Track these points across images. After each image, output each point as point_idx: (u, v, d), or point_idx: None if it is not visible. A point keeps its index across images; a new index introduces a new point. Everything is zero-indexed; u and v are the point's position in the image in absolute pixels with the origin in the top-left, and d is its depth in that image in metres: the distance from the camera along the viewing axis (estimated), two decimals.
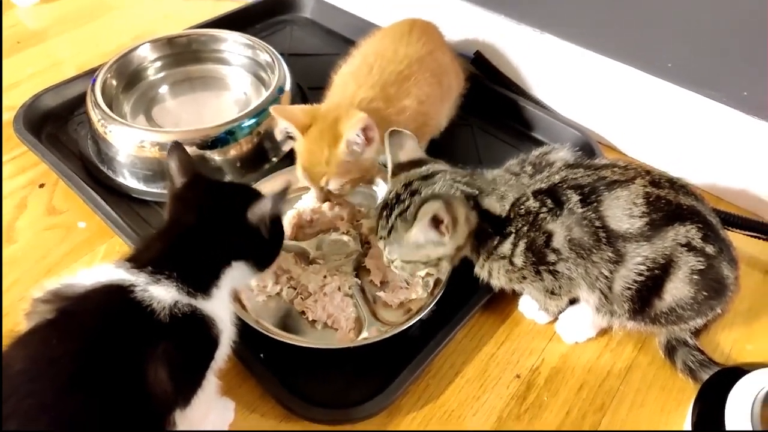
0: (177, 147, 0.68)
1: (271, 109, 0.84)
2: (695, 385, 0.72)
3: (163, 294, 0.55)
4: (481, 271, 0.74)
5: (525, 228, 0.69)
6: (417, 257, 0.71)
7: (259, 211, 0.63)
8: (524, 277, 0.72)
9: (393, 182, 0.74)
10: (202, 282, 0.58)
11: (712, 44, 0.90)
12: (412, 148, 0.76)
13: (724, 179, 0.96)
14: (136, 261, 0.57)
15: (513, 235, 0.69)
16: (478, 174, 0.74)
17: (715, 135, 0.94)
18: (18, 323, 0.78)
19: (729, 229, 0.86)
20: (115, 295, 0.53)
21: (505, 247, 0.70)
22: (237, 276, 0.63)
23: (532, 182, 0.72)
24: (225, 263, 0.62)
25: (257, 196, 0.66)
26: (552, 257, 0.69)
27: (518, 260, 0.70)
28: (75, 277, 0.56)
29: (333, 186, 0.83)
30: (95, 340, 0.51)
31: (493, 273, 0.73)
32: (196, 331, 0.56)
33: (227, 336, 0.60)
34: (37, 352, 0.50)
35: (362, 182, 0.88)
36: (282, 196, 0.64)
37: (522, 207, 0.69)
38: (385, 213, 0.72)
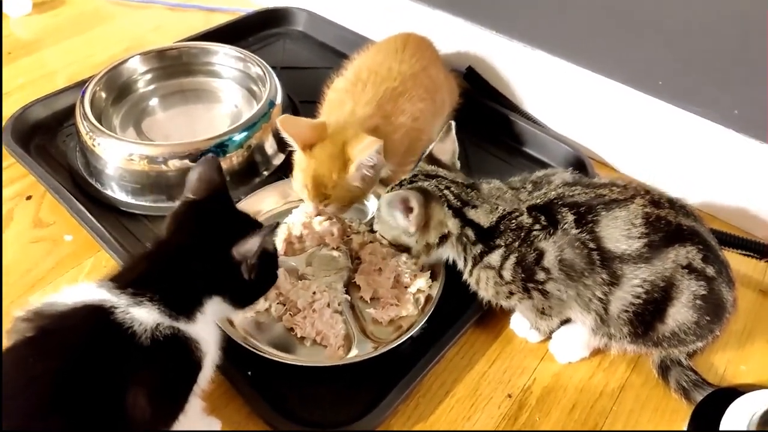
0: (208, 162, 0.64)
1: (278, 121, 0.81)
2: (689, 405, 0.71)
3: (144, 316, 0.53)
4: (469, 278, 0.74)
5: (516, 243, 0.69)
6: (389, 236, 0.76)
7: (244, 249, 0.59)
8: (512, 293, 0.71)
9: (415, 168, 0.78)
10: (184, 307, 0.57)
11: (703, 62, 0.90)
12: (445, 150, 0.78)
13: (716, 197, 0.96)
14: (120, 281, 0.56)
15: (503, 248, 0.69)
16: (476, 186, 0.75)
17: (706, 153, 0.94)
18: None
19: (723, 248, 0.85)
20: (96, 315, 0.52)
21: (493, 258, 0.70)
22: (217, 309, 0.61)
23: (528, 198, 0.72)
24: (205, 294, 0.59)
25: (248, 230, 0.60)
26: (541, 276, 0.68)
27: (507, 274, 0.70)
28: (58, 295, 0.54)
29: (331, 210, 0.83)
30: (74, 360, 0.49)
31: (480, 283, 0.73)
32: (178, 355, 0.54)
33: (211, 358, 0.58)
34: (15, 370, 0.49)
35: (361, 200, 0.87)
36: (270, 235, 0.61)
37: (513, 221, 0.69)
38: (387, 191, 0.76)
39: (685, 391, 0.72)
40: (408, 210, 0.70)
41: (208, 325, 0.59)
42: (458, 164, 0.79)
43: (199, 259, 0.59)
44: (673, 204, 0.70)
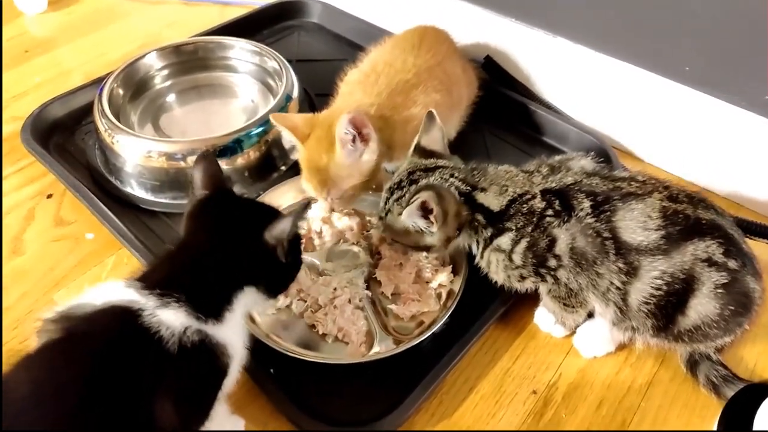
0: (205, 157, 0.65)
1: (272, 117, 0.83)
2: (719, 401, 0.70)
3: (171, 319, 0.53)
4: (480, 260, 0.74)
5: (529, 228, 0.68)
6: (405, 242, 0.75)
7: (277, 232, 0.60)
8: (523, 277, 0.71)
9: (406, 163, 0.76)
10: (213, 307, 0.56)
11: (731, 47, 0.87)
12: (434, 139, 0.77)
13: (745, 186, 0.93)
14: (147, 281, 0.55)
15: (513, 231, 0.69)
16: (481, 168, 0.74)
17: (734, 140, 0.91)
18: (27, 337, 0.78)
19: (750, 238, 0.83)
20: (123, 318, 0.52)
21: (503, 242, 0.70)
22: (249, 301, 0.61)
23: (543, 181, 0.71)
24: (237, 288, 0.59)
25: (275, 215, 0.62)
26: (552, 262, 0.68)
27: (517, 258, 0.69)
28: (86, 295, 0.54)
29: (334, 194, 0.82)
30: (101, 367, 0.49)
31: (491, 265, 0.73)
32: (206, 362, 0.54)
33: (237, 362, 0.58)
34: (42, 376, 0.49)
35: (368, 189, 0.85)
36: (301, 215, 0.62)
37: (525, 205, 0.69)
38: (386, 195, 0.75)
39: (715, 387, 0.70)
40: (427, 212, 0.69)
41: (236, 325, 0.58)
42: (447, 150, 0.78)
43: (230, 251, 0.59)
44: (692, 198, 0.68)
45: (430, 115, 0.76)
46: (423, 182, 0.72)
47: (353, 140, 0.78)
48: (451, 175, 0.72)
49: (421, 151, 0.76)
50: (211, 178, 0.64)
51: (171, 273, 0.57)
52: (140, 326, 0.51)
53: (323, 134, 0.80)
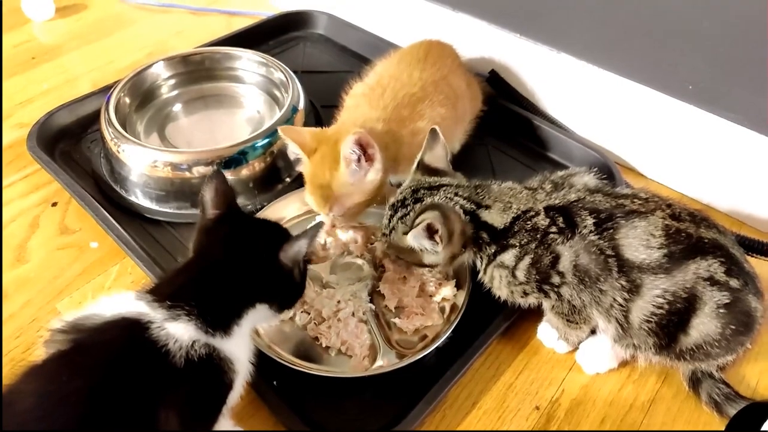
0: (216, 176, 0.65)
1: (280, 130, 0.83)
2: (721, 419, 0.70)
3: (180, 332, 0.53)
4: (483, 276, 0.74)
5: (532, 244, 0.68)
6: (409, 259, 0.75)
7: (293, 253, 0.61)
8: (526, 293, 0.71)
9: (409, 180, 0.76)
10: (222, 320, 0.57)
11: (734, 66, 0.88)
12: (438, 156, 0.77)
13: (746, 204, 0.94)
14: (157, 294, 0.56)
15: (517, 248, 0.69)
16: (484, 186, 0.74)
17: (736, 158, 0.92)
18: (30, 345, 0.78)
19: (752, 256, 0.84)
20: (131, 331, 0.52)
21: (507, 258, 0.70)
22: (259, 317, 0.61)
23: (546, 198, 0.71)
24: (249, 304, 0.59)
25: (287, 235, 0.63)
26: (556, 279, 0.68)
27: (521, 274, 0.70)
28: (96, 306, 0.55)
29: (336, 212, 0.82)
30: (106, 379, 0.49)
31: (494, 281, 0.73)
32: (211, 376, 0.54)
33: (242, 377, 0.58)
34: (47, 387, 0.49)
35: (371, 205, 0.85)
36: (315, 235, 0.63)
37: (529, 222, 0.69)
38: (390, 213, 0.75)
39: (717, 405, 0.70)
40: (432, 232, 0.69)
41: (242, 340, 0.59)
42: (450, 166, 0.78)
43: (246, 268, 0.60)
44: (694, 217, 0.69)
45: (433, 132, 0.77)
46: (427, 201, 0.72)
47: (358, 160, 0.78)
48: (456, 194, 0.72)
49: (425, 169, 0.76)
50: (222, 197, 0.64)
51: (184, 285, 0.57)
52: (147, 339, 0.52)
53: (329, 151, 0.80)
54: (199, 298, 0.56)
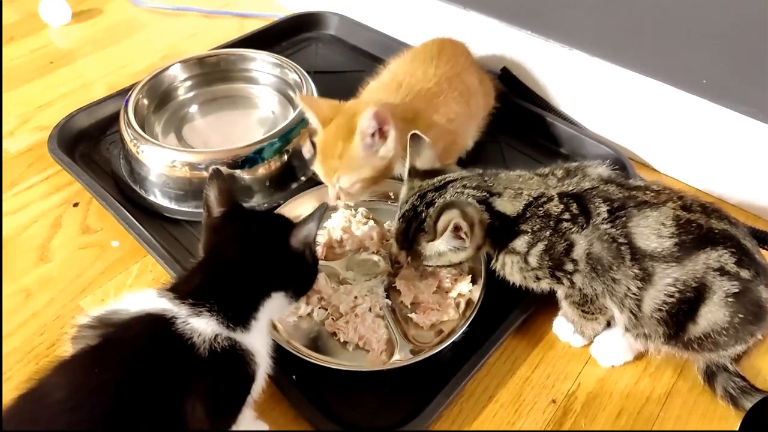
0: (217, 175, 0.66)
1: (299, 98, 0.86)
2: (737, 412, 0.70)
3: (203, 327, 0.55)
4: (496, 263, 0.74)
5: (546, 231, 0.69)
6: (439, 263, 0.74)
7: (303, 236, 0.63)
8: (539, 278, 0.72)
9: (408, 190, 0.76)
10: (241, 314, 0.58)
11: (748, 61, 0.88)
12: (428, 158, 0.77)
13: (762, 198, 0.94)
14: (178, 291, 0.57)
15: (530, 234, 0.69)
16: (490, 174, 0.74)
17: (751, 152, 0.92)
18: (55, 341, 0.80)
19: (765, 248, 0.83)
20: (158, 325, 0.54)
21: (519, 244, 0.70)
22: (275, 307, 0.63)
23: (559, 184, 0.71)
24: (265, 295, 0.61)
25: (291, 223, 0.65)
26: (569, 266, 0.69)
27: (533, 260, 0.70)
28: (121, 302, 0.56)
29: (344, 183, 0.83)
30: (136, 371, 0.51)
31: (506, 267, 0.73)
32: (235, 367, 0.56)
33: (263, 369, 0.59)
34: (78, 380, 0.51)
35: (375, 185, 0.87)
36: (322, 215, 0.64)
37: (541, 208, 0.69)
38: (404, 226, 0.74)
39: (733, 398, 0.71)
40: (457, 229, 0.68)
41: (261, 334, 0.60)
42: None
43: (259, 260, 0.61)
44: (705, 208, 0.69)
45: (414, 137, 0.76)
46: (440, 202, 0.71)
47: (372, 135, 0.79)
48: (464, 186, 0.72)
49: (420, 174, 0.76)
50: (226, 195, 0.66)
51: (203, 283, 0.59)
52: (173, 333, 0.53)
53: (344, 122, 0.81)
54: (218, 295, 0.57)
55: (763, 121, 0.89)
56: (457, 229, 0.68)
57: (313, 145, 0.92)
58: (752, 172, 0.94)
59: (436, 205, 0.71)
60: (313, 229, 0.63)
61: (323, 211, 0.65)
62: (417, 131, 0.76)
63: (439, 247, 0.71)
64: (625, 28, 0.99)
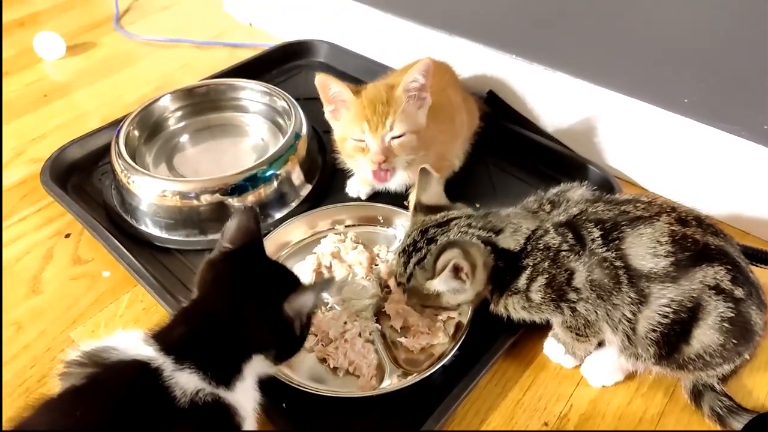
0: (247, 212, 0.64)
1: (317, 78, 0.89)
2: None
3: (186, 381, 0.54)
4: (496, 308, 0.73)
5: (546, 264, 0.68)
6: (436, 303, 0.72)
7: (298, 305, 0.60)
8: (542, 310, 0.71)
9: (412, 224, 0.76)
10: (223, 375, 0.57)
11: (728, 79, 0.90)
12: (435, 193, 0.77)
13: (748, 213, 0.95)
14: (164, 343, 0.56)
15: (530, 269, 0.68)
16: (493, 213, 0.74)
17: (736, 168, 0.93)
18: (45, 374, 0.79)
19: (755, 265, 0.84)
20: (143, 374, 0.54)
21: (520, 282, 0.69)
22: (258, 367, 0.61)
23: (550, 217, 0.72)
24: (246, 357, 0.59)
25: (296, 284, 0.62)
26: (573, 296, 0.68)
27: (535, 296, 0.69)
28: (111, 339, 0.56)
29: (398, 129, 0.85)
30: (117, 416, 0.51)
31: (509, 309, 0.72)
32: (217, 420, 0.55)
33: (250, 423, 0.58)
34: (60, 421, 0.51)
35: (414, 151, 0.88)
36: (324, 289, 0.63)
37: (540, 241, 0.69)
38: (403, 260, 0.73)
39: (720, 417, 0.70)
40: (457, 270, 0.67)
41: (247, 390, 0.59)
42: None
43: (245, 319, 0.59)
44: (701, 222, 0.68)
45: (423, 171, 0.76)
46: (442, 239, 0.70)
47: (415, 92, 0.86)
48: (469, 225, 0.70)
49: (424, 209, 0.75)
50: (242, 233, 0.64)
51: (186, 338, 0.57)
52: (157, 382, 0.53)
53: (383, 85, 0.88)
54: (199, 354, 0.56)
55: (747, 138, 0.90)
56: (457, 269, 0.66)
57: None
58: (738, 189, 0.94)
59: (438, 242, 0.70)
60: (310, 300, 0.60)
61: (326, 285, 0.63)
62: (426, 165, 0.77)
63: (437, 287, 0.69)
64: (606, 50, 1.01)
